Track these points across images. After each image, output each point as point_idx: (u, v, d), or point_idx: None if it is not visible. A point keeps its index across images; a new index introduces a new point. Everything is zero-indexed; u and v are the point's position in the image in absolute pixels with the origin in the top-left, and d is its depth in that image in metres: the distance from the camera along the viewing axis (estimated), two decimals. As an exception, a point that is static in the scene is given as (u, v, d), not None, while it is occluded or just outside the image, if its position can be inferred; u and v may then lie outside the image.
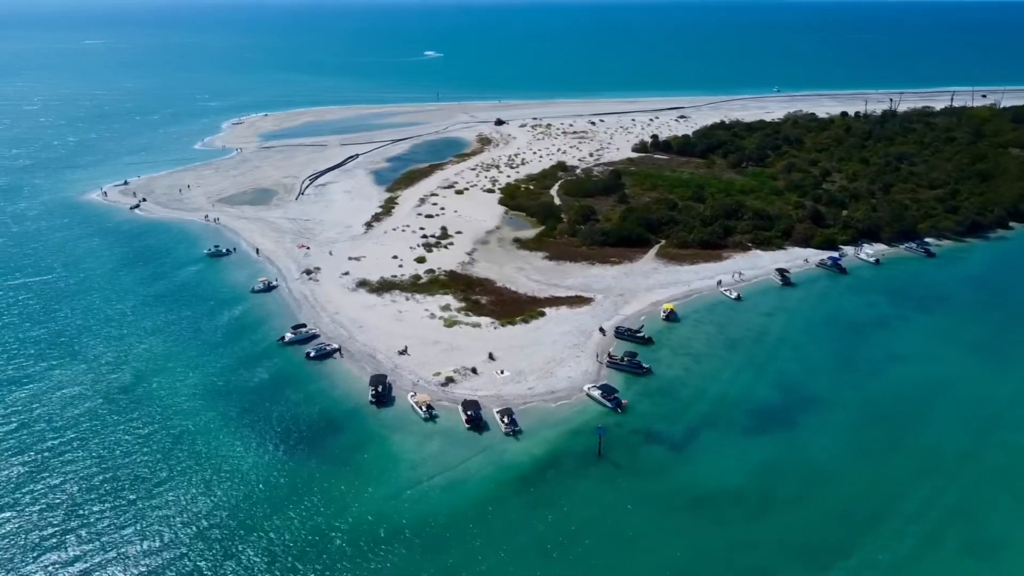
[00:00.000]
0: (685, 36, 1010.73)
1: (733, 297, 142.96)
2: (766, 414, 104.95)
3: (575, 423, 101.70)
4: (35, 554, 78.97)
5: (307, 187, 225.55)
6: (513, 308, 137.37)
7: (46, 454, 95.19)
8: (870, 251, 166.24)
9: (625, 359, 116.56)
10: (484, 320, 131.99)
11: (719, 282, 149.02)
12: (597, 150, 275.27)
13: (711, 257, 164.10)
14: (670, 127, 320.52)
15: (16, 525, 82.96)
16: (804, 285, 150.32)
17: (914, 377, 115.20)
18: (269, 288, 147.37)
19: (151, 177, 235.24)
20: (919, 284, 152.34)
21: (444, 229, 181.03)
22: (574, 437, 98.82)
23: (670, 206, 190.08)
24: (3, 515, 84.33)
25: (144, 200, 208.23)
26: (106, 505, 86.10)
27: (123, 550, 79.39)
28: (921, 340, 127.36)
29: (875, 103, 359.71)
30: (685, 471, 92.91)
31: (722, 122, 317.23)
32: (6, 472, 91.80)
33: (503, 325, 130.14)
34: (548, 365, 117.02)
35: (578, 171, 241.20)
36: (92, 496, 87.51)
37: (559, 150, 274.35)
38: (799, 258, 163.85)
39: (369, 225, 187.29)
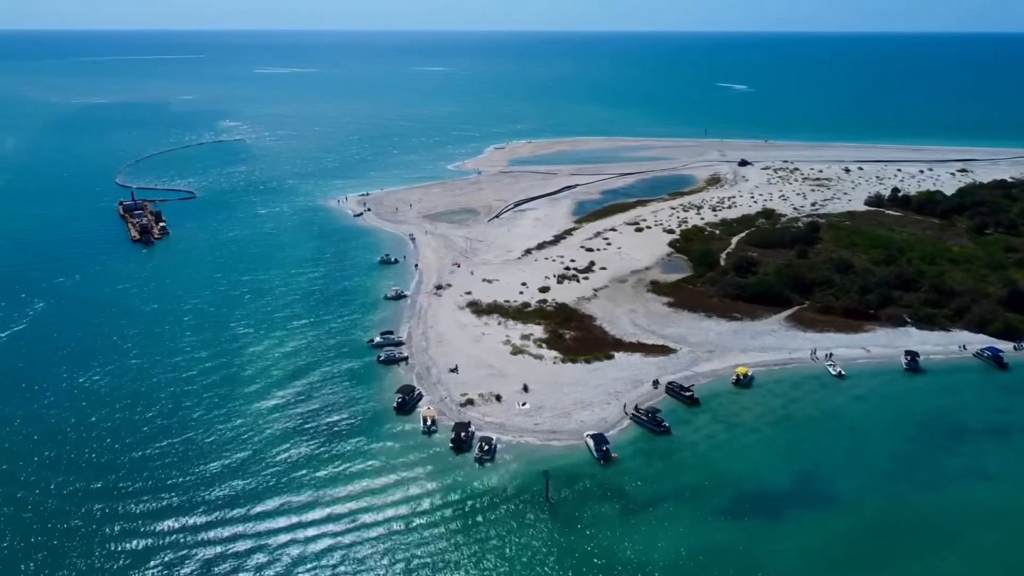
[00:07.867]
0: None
1: (835, 373, 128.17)
2: (757, 501, 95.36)
3: (552, 464, 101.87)
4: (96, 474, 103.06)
5: (506, 211, 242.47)
6: (589, 347, 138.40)
7: (147, 412, 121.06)
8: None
9: (647, 414, 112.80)
10: (549, 354, 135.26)
11: (828, 355, 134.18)
12: (825, 200, 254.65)
13: (848, 327, 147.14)
14: (937, 181, 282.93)
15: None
16: (935, 374, 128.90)
17: (979, 500, 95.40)
18: (399, 297, 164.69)
19: (389, 191, 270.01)
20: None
21: (591, 264, 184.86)
22: (541, 478, 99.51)
23: (840, 267, 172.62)
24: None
25: (368, 210, 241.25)
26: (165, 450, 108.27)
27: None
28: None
29: None
30: (618, 536, 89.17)
31: (1004, 180, 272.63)
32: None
33: (563, 361, 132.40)
34: (572, 407, 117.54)
35: (783, 219, 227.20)
36: (149, 443, 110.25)
37: (781, 196, 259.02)
38: (957, 343, 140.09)
39: (528, 252, 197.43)
